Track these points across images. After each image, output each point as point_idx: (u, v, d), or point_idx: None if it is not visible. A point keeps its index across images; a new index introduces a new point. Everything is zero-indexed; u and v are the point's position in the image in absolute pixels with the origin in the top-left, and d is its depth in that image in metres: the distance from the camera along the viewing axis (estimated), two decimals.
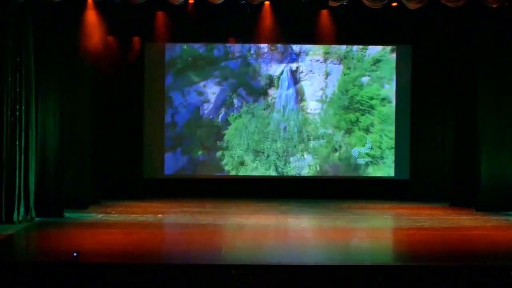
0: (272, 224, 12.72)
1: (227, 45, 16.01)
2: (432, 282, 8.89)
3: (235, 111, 16.07)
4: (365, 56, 16.10)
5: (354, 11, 14.23)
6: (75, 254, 8.77)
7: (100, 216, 13.22)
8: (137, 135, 15.78)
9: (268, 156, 16.07)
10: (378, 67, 16.07)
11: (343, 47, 16.04)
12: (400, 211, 14.37)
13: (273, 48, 16.10)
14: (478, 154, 14.31)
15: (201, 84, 16.04)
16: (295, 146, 16.09)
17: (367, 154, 16.12)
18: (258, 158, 16.08)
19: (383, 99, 16.12)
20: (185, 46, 16.05)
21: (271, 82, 16.11)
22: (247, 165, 16.05)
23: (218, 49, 16.07)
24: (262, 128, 16.11)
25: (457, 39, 14.95)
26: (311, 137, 16.11)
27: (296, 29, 15.30)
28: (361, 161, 16.14)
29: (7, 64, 12.23)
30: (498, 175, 13.92)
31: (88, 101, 14.22)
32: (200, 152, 16.00)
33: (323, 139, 16.10)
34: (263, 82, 16.11)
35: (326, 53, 16.16)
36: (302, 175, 16.12)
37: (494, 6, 13.24)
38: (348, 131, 16.12)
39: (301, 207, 14.54)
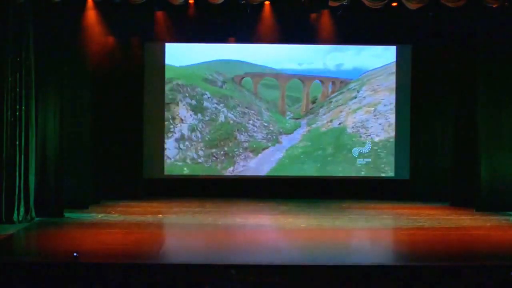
0: (272, 224, 12.72)
1: None
2: (432, 282, 8.89)
3: None
4: None
5: (354, 11, 14.23)
6: (75, 254, 8.77)
7: (100, 216, 13.21)
8: (137, 135, 15.78)
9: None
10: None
11: None
12: (400, 211, 14.37)
13: None
14: (478, 154, 14.31)
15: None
16: None
17: (367, 154, 16.13)
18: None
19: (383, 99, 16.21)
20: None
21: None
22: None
23: None
24: None
25: (457, 39, 14.95)
26: None
27: (296, 29, 15.31)
28: (361, 161, 16.14)
29: (7, 64, 12.23)
30: (498, 175, 13.91)
31: (88, 101, 14.23)
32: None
33: None
34: None
35: None
36: (302, 175, 16.13)
37: (494, 6, 13.24)
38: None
39: (301, 207, 14.53)
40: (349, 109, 16.10)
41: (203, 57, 15.97)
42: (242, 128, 15.66)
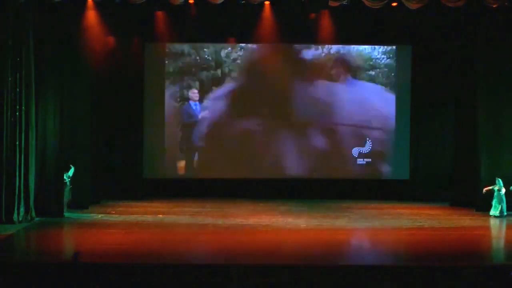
0: (272, 224, 12.72)
1: None
2: (432, 282, 8.89)
3: None
4: None
5: (354, 11, 14.24)
6: (75, 254, 8.72)
7: (100, 216, 13.21)
8: (137, 135, 15.78)
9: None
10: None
11: None
12: (400, 211, 14.37)
13: None
14: (478, 155, 14.32)
15: None
16: None
17: (367, 154, 16.14)
18: None
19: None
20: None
21: None
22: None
23: None
24: None
25: (457, 39, 14.96)
26: None
27: (296, 29, 15.31)
28: (361, 161, 16.15)
29: (7, 64, 12.23)
30: (498, 175, 13.88)
31: (88, 101, 14.23)
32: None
33: None
34: None
35: None
36: (302, 175, 16.15)
37: (494, 6, 13.25)
38: None
39: (301, 207, 14.53)
40: None
41: None
42: None
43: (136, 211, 13.80)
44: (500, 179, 13.43)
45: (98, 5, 13.90)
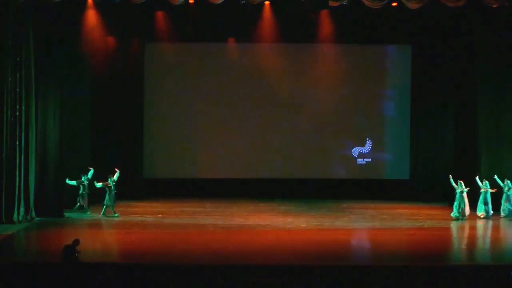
0: (272, 224, 12.72)
1: None
2: (432, 282, 8.90)
3: None
4: None
5: (354, 11, 14.24)
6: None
7: (100, 216, 13.21)
8: (137, 135, 15.78)
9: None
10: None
11: None
12: (400, 211, 14.37)
13: None
14: (478, 155, 14.32)
15: None
16: None
17: (367, 154, 16.14)
18: None
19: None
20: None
21: None
22: None
23: None
24: None
25: (457, 39, 14.96)
26: None
27: (296, 29, 15.31)
28: (361, 161, 16.15)
29: (7, 64, 12.23)
30: (498, 175, 13.88)
31: (88, 101, 14.24)
32: None
33: None
34: None
35: None
36: (302, 175, 16.14)
37: (494, 6, 13.25)
38: None
39: (301, 207, 14.53)
40: None
41: None
42: None
43: (136, 211, 13.80)
44: (461, 182, 13.30)
45: (98, 5, 13.90)
